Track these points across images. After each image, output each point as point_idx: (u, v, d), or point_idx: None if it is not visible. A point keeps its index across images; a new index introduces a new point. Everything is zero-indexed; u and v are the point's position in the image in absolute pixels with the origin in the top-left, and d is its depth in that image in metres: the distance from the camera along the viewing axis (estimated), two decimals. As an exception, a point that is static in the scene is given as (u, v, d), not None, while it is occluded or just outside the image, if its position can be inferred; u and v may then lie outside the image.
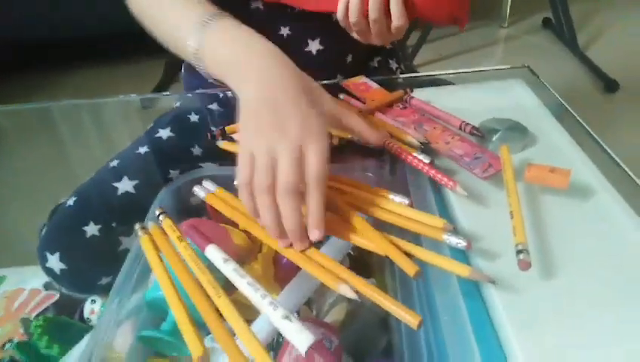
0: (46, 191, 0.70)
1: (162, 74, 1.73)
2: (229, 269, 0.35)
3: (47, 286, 0.61)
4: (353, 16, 0.49)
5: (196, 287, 0.34)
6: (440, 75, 0.64)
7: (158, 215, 0.42)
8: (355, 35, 0.53)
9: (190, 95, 0.66)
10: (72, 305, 0.59)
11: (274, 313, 0.31)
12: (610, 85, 1.55)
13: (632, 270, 0.35)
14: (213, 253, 0.37)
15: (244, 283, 0.33)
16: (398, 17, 0.49)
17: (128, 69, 1.90)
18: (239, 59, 0.40)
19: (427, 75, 0.64)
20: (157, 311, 0.44)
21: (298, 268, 0.42)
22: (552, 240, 0.38)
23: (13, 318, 0.57)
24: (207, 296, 0.34)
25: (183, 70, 0.71)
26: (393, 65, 0.72)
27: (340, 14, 0.51)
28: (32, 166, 0.72)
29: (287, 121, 0.36)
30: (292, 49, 0.41)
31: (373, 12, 0.48)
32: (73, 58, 1.95)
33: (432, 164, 0.45)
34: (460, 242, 0.35)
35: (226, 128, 0.53)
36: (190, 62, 0.45)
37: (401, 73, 0.75)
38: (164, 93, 0.69)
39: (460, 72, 0.63)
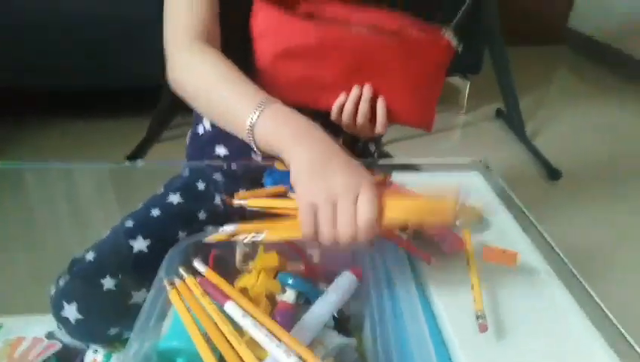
0: (46, 244, 0.75)
1: (147, 131, 1.80)
2: (248, 323, 0.42)
3: (49, 336, 0.64)
4: (345, 120, 0.62)
5: (220, 336, 0.42)
6: (411, 163, 0.76)
7: (182, 273, 0.49)
8: (344, 128, 0.65)
9: (197, 165, 0.74)
10: (72, 355, 0.63)
11: (287, 360, 0.38)
12: (553, 173, 1.73)
13: (563, 333, 0.45)
14: (233, 309, 0.44)
15: (262, 335, 0.41)
16: (381, 126, 0.63)
17: (111, 124, 1.97)
18: (291, 131, 0.47)
19: (401, 164, 0.76)
20: (166, 360, 0.50)
21: (290, 326, 0.49)
22: (504, 308, 0.48)
23: (15, 365, 0.60)
24: (230, 344, 0.41)
25: (187, 142, 0.80)
26: (372, 147, 0.85)
27: (333, 115, 0.63)
28: (32, 221, 0.77)
29: (339, 172, 0.43)
30: None
31: (360, 119, 0.61)
32: (57, 109, 2.01)
33: (409, 240, 0.54)
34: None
35: (235, 195, 0.61)
36: (243, 138, 0.52)
37: (377, 156, 0.88)
38: (170, 161, 0.77)
39: (428, 163, 0.74)
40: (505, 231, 0.60)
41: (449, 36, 0.63)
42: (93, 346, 0.61)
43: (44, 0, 1.72)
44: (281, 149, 0.47)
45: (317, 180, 0.42)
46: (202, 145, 0.77)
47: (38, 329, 0.65)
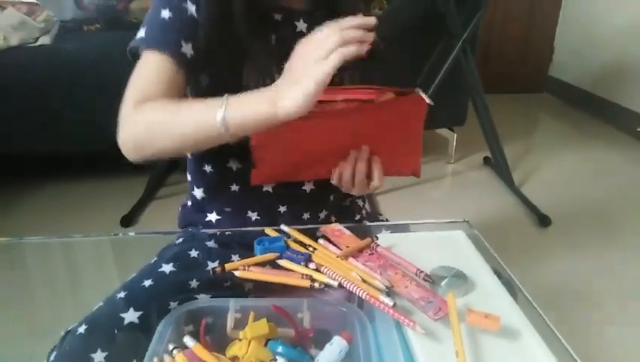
0: (42, 316, 0.76)
1: (144, 191, 1.83)
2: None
3: (39, 411, 0.64)
4: (346, 182, 0.70)
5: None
6: (398, 223, 0.78)
7: (172, 349, 0.50)
8: (341, 188, 0.72)
9: (191, 232, 0.77)
10: None
11: None
12: (543, 220, 1.76)
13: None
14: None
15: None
16: (377, 181, 0.70)
17: (107, 185, 1.99)
18: (262, 98, 0.56)
19: (389, 223, 0.78)
20: None
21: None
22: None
23: None
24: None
25: (180, 208, 0.83)
26: (360, 203, 0.91)
27: (335, 180, 0.71)
28: (25, 293, 0.78)
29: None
30: (291, 187, 0.61)
31: (358, 177, 0.69)
32: (52, 172, 2.04)
33: (394, 306, 0.56)
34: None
35: (226, 266, 0.63)
36: (214, 135, 0.58)
37: (366, 212, 0.90)
38: (165, 231, 0.79)
39: (413, 223, 0.77)
40: (489, 292, 0.61)
41: (420, 93, 0.71)
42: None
43: (39, 65, 1.78)
44: (261, 113, 0.56)
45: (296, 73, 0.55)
46: (193, 215, 0.80)
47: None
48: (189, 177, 0.81)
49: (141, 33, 0.68)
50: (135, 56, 0.68)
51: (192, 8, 0.66)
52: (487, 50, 3.22)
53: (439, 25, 1.84)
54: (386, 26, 2.04)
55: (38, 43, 1.83)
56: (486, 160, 2.24)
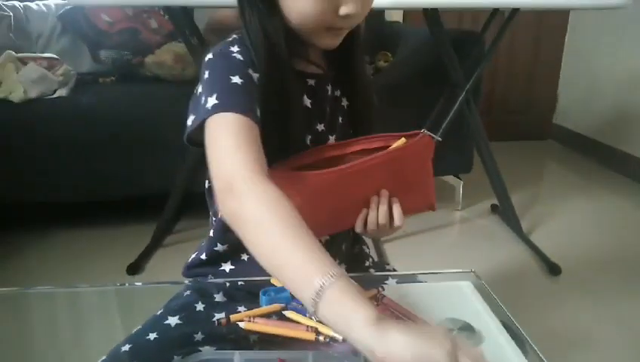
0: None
1: (151, 238, 1.84)
2: None
3: None
4: (371, 227, 0.72)
5: None
6: (405, 273, 0.78)
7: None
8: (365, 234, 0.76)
9: (199, 283, 0.77)
10: None
11: None
12: (552, 269, 1.74)
13: None
14: None
15: None
16: (398, 220, 0.73)
17: (113, 232, 2.01)
18: (361, 318, 0.45)
19: (397, 274, 0.79)
20: None
21: None
22: None
23: None
24: None
25: (189, 262, 0.82)
26: (366, 249, 0.92)
27: (359, 228, 0.74)
28: (29, 345, 0.78)
29: (434, 341, 0.43)
30: None
31: (382, 220, 0.72)
32: (57, 220, 2.06)
33: None
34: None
35: (231, 317, 0.63)
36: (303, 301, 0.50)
37: (373, 260, 0.90)
38: (173, 281, 0.79)
39: (420, 273, 0.77)
40: (497, 345, 0.60)
41: (425, 133, 0.75)
42: None
43: (55, 116, 1.85)
44: (356, 326, 0.46)
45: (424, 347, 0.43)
46: (205, 268, 0.80)
47: None
48: (211, 233, 0.80)
49: (210, 103, 0.63)
50: (190, 141, 0.69)
51: (254, 76, 0.68)
52: (491, 99, 3.28)
53: (444, 76, 1.90)
54: (391, 77, 2.11)
55: (56, 95, 1.90)
56: (494, 207, 2.23)
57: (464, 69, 1.84)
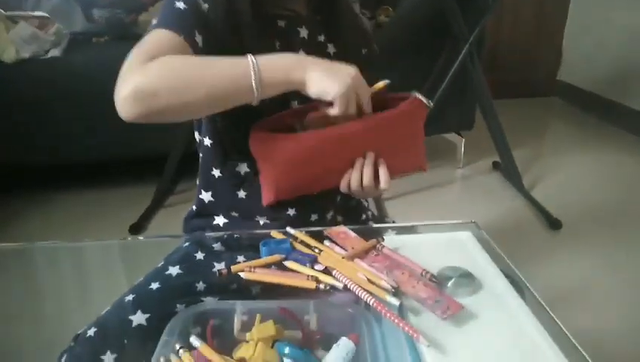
0: (54, 321, 0.76)
1: (152, 199, 1.85)
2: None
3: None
4: (354, 188, 0.71)
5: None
6: (404, 225, 0.78)
7: (179, 349, 0.50)
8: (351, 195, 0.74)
9: (198, 235, 0.77)
10: None
11: None
12: (553, 223, 1.74)
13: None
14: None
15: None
16: (384, 183, 0.71)
17: (115, 194, 2.01)
18: (291, 60, 0.64)
19: (397, 226, 0.78)
20: None
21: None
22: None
23: None
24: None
25: (185, 216, 0.83)
26: (365, 203, 0.92)
27: (344, 188, 0.72)
28: (37, 300, 0.79)
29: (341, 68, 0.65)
30: None
31: (367, 182, 0.70)
32: (60, 182, 2.06)
33: (401, 305, 0.56)
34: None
35: (232, 267, 0.63)
36: (245, 89, 0.61)
37: (372, 213, 0.90)
38: (173, 235, 0.79)
39: (420, 224, 0.77)
40: (497, 292, 0.61)
41: (418, 96, 0.72)
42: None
43: (49, 77, 1.81)
44: (290, 75, 0.63)
45: (334, 78, 0.63)
46: (200, 220, 0.80)
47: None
48: (197, 181, 0.81)
49: (153, 22, 0.68)
50: None
51: (204, 6, 0.68)
52: (496, 56, 3.21)
53: (446, 29, 1.85)
54: (392, 32, 2.05)
55: (49, 55, 1.86)
56: (495, 164, 2.22)
57: (467, 21, 1.79)
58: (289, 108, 0.74)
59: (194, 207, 0.82)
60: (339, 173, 0.73)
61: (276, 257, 0.65)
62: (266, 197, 0.73)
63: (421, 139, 0.78)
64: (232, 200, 0.77)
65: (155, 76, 0.58)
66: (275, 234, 0.72)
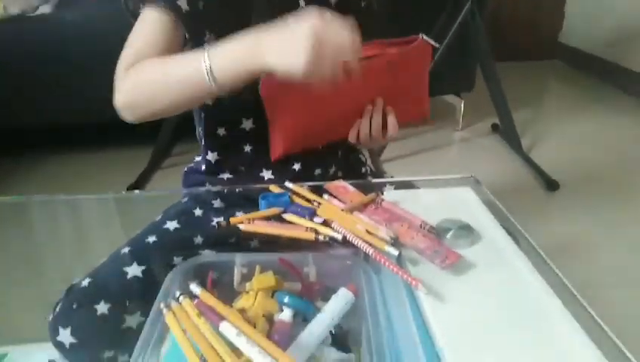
0: (48, 275, 0.77)
1: (149, 160, 1.83)
2: (242, 342, 0.43)
3: (50, 364, 0.65)
4: (363, 138, 0.71)
5: (215, 356, 0.42)
6: (404, 180, 0.77)
7: (179, 296, 0.50)
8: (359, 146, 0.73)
9: (197, 191, 0.76)
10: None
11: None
12: (551, 184, 1.75)
13: (557, 346, 0.46)
14: (227, 329, 0.45)
15: (256, 352, 0.42)
16: (392, 129, 0.71)
17: (112, 155, 2.00)
18: (241, 46, 0.57)
19: (396, 180, 0.78)
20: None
21: (288, 344, 0.50)
22: (495, 320, 0.48)
23: (18, 395, 0.61)
24: (225, 363, 0.42)
25: (185, 171, 0.82)
26: (362, 158, 0.92)
27: (352, 138, 0.72)
28: (37, 252, 0.79)
29: (300, 26, 0.54)
30: None
31: (375, 131, 0.70)
32: (57, 144, 2.04)
33: (400, 255, 0.56)
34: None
35: (230, 219, 0.63)
36: (203, 88, 0.59)
37: (370, 168, 0.90)
38: (171, 190, 0.79)
39: (420, 179, 0.76)
40: (496, 243, 0.61)
41: (424, 38, 0.71)
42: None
43: (39, 35, 1.76)
44: (246, 63, 0.57)
45: (292, 48, 0.54)
46: (204, 177, 0.79)
47: (40, 357, 0.66)
48: (202, 142, 0.79)
49: None
50: (135, 16, 0.68)
51: None
52: (498, 17, 3.14)
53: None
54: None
55: (39, 12, 1.80)
56: (494, 127, 2.21)
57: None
58: None
59: (202, 166, 0.80)
60: (348, 122, 0.72)
61: (275, 210, 0.65)
62: (275, 151, 0.73)
63: (426, 84, 0.77)
64: (238, 156, 0.76)
65: (130, 93, 0.64)
66: (274, 188, 0.71)
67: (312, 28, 0.53)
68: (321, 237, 0.59)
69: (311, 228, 0.61)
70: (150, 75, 0.62)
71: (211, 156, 0.77)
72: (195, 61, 0.58)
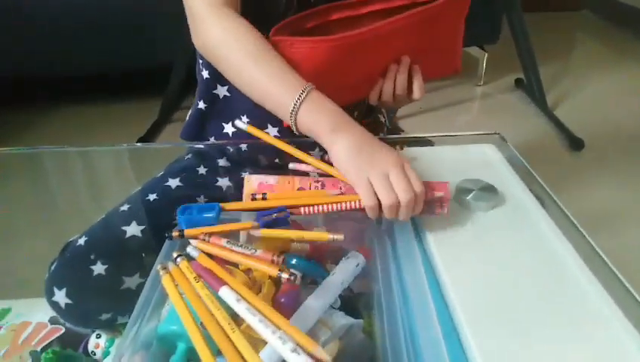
0: (53, 228, 0.75)
1: (158, 113, 1.80)
2: (242, 308, 0.40)
3: (52, 321, 0.64)
4: (386, 98, 0.64)
5: (213, 322, 0.40)
6: (423, 136, 0.72)
7: (176, 257, 0.47)
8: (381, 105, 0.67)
9: (201, 147, 0.72)
10: (75, 339, 0.62)
11: (283, 347, 0.36)
12: (575, 143, 1.67)
13: (581, 310, 0.42)
14: (227, 294, 0.42)
15: (256, 321, 0.39)
16: (417, 92, 0.64)
17: (121, 107, 1.96)
18: (330, 121, 0.53)
19: (413, 137, 0.72)
20: (167, 344, 0.48)
21: (295, 308, 0.47)
22: (517, 283, 0.45)
23: (20, 351, 0.60)
24: (223, 330, 0.39)
25: (188, 118, 0.76)
26: (382, 118, 0.85)
27: (374, 100, 0.65)
28: (42, 204, 0.77)
29: (379, 150, 0.51)
30: None
31: (399, 91, 0.63)
32: (66, 95, 2.01)
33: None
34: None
35: (185, 232, 0.50)
36: (278, 116, 0.56)
37: (387, 128, 0.84)
38: (176, 143, 0.75)
39: (439, 135, 0.71)
40: (522, 206, 0.56)
41: None
42: (97, 331, 0.60)
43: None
44: (320, 137, 0.53)
45: (364, 159, 0.50)
46: (208, 123, 0.73)
47: (42, 314, 0.64)
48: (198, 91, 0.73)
49: None
50: None
51: None
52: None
53: None
54: None
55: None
56: (518, 82, 2.10)
57: None
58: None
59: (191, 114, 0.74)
60: (369, 82, 0.64)
61: (247, 224, 0.51)
62: None
63: (461, 37, 0.69)
64: (245, 104, 0.69)
65: (219, 52, 0.58)
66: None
67: (385, 177, 0.49)
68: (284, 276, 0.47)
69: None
70: (244, 62, 0.56)
71: (202, 106, 0.71)
72: (287, 94, 0.54)
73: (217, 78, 0.67)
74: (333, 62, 0.60)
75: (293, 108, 0.53)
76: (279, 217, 0.50)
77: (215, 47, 0.57)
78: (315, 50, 0.59)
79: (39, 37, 1.77)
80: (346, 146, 0.51)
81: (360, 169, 0.49)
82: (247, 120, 0.70)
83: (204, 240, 0.48)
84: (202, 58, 0.68)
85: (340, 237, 0.47)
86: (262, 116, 0.65)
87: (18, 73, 1.86)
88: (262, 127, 0.70)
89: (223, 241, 0.47)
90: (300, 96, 0.53)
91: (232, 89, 0.67)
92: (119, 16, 1.75)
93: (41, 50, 1.80)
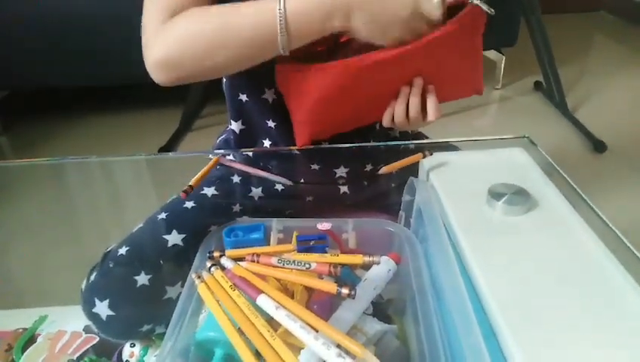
0: (84, 236, 0.76)
1: (179, 122, 1.82)
2: (282, 315, 0.41)
3: (86, 329, 0.65)
4: (399, 121, 0.61)
5: (252, 329, 0.40)
6: (450, 141, 0.72)
7: (210, 266, 0.48)
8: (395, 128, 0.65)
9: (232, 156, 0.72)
10: (109, 348, 0.63)
11: (328, 352, 0.36)
12: (598, 146, 1.64)
13: (617, 312, 0.41)
14: (266, 302, 0.42)
15: (297, 327, 0.39)
16: (432, 114, 0.61)
17: (142, 117, 1.99)
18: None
19: (438, 142, 0.72)
20: (204, 351, 0.49)
21: (329, 313, 0.48)
22: (558, 288, 0.44)
23: (57, 360, 0.61)
24: (263, 336, 0.39)
25: (217, 141, 0.78)
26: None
27: (386, 122, 0.63)
28: (72, 213, 0.78)
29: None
30: None
31: (413, 113, 0.60)
32: (87, 105, 2.05)
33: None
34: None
35: (227, 253, 0.52)
36: (272, 40, 0.52)
37: (412, 136, 0.84)
38: (204, 152, 0.76)
39: (466, 140, 0.70)
40: (556, 209, 0.55)
41: (475, 2, 0.58)
42: (131, 340, 0.61)
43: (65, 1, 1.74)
44: (327, 14, 0.51)
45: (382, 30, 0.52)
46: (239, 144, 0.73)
47: (77, 322, 0.65)
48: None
49: None
50: None
51: None
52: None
53: None
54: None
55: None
56: (537, 84, 2.08)
57: None
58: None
59: (232, 138, 0.73)
60: (381, 105, 0.63)
61: (288, 246, 0.55)
62: (300, 140, 0.64)
63: (479, 56, 0.66)
64: (262, 128, 0.69)
65: (176, 46, 0.54)
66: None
67: (405, 13, 0.52)
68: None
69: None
70: (204, 24, 0.53)
71: (235, 126, 0.71)
72: (265, 5, 0.51)
73: (238, 85, 0.68)
74: (348, 86, 0.59)
75: (280, 24, 0.50)
76: (317, 245, 0.51)
77: (171, 54, 0.54)
78: (327, 76, 0.58)
79: (63, 49, 1.80)
80: (364, 20, 0.51)
81: (384, 33, 0.52)
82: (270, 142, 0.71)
83: (254, 261, 0.49)
84: None
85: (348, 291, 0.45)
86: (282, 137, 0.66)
87: (42, 84, 1.90)
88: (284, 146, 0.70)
89: (274, 260, 0.48)
90: (279, 12, 0.50)
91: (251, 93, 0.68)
92: (128, 29, 1.77)
93: (64, 62, 1.84)
